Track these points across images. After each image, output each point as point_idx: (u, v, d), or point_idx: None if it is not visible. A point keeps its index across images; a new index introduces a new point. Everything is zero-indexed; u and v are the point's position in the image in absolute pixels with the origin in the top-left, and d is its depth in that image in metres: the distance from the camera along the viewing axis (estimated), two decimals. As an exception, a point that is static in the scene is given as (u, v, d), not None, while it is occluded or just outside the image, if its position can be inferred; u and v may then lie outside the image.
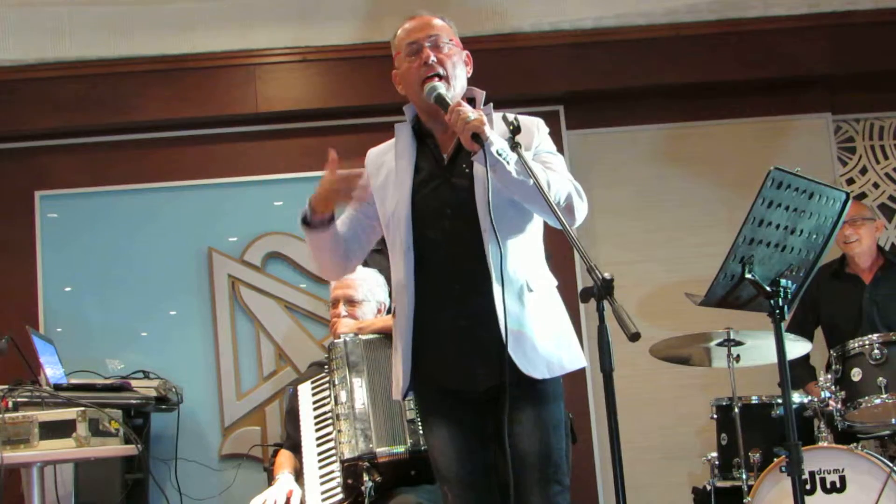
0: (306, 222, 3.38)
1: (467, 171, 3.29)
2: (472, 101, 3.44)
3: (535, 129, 3.39)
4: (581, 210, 3.25)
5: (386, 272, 4.29)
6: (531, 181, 3.05)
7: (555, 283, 3.43)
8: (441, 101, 3.23)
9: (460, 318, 3.28)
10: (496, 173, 3.09)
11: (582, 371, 5.99)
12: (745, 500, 4.76)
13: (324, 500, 4.16)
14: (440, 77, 3.32)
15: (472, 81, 3.49)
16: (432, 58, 3.33)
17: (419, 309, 3.33)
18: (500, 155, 3.05)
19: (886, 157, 6.65)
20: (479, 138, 3.03)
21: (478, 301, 3.23)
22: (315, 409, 4.39)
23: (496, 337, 3.18)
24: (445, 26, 3.45)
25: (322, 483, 4.20)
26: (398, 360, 3.40)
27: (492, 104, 3.44)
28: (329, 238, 3.41)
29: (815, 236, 3.38)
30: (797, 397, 4.97)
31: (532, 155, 3.29)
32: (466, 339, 3.28)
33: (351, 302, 4.69)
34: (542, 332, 3.27)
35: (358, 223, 3.55)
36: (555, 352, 3.29)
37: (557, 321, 3.36)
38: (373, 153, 3.58)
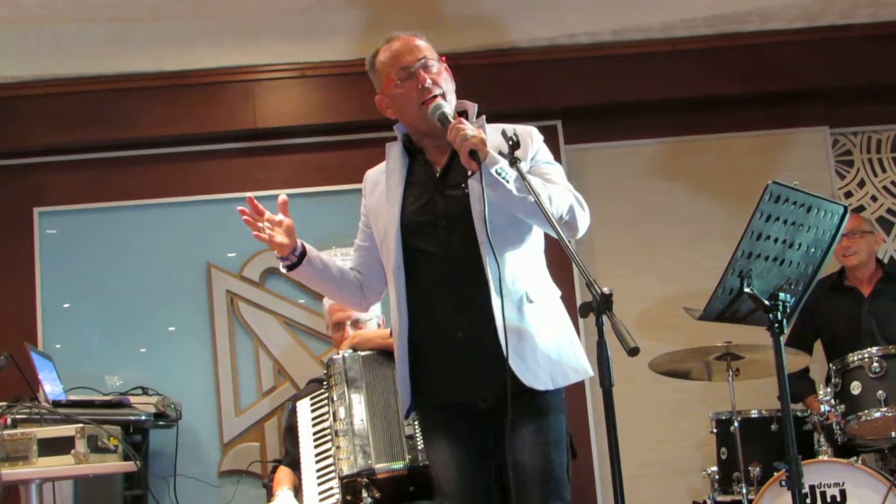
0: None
1: (462, 184, 3.29)
2: (463, 114, 3.44)
3: (529, 139, 3.39)
4: (583, 220, 3.26)
5: None
6: (531, 198, 3.05)
7: (558, 293, 3.43)
8: (444, 120, 3.23)
9: (458, 330, 3.28)
10: (496, 192, 3.09)
11: (581, 386, 6.05)
12: (745, 515, 4.77)
13: (323, 516, 4.16)
14: (441, 96, 3.33)
15: (471, 96, 3.50)
16: (428, 81, 3.34)
17: (417, 324, 3.34)
18: (499, 174, 3.05)
19: (884, 170, 6.67)
20: (476, 156, 3.04)
21: (476, 312, 3.22)
22: (314, 425, 4.39)
23: (496, 348, 3.17)
24: (427, 45, 3.45)
25: (321, 499, 4.19)
26: (398, 381, 3.41)
27: (484, 116, 3.45)
28: (311, 271, 3.44)
29: (813, 250, 3.38)
30: (797, 411, 4.97)
31: (528, 165, 3.29)
32: (466, 351, 3.27)
33: (357, 323, 4.70)
34: (543, 343, 3.26)
35: (366, 251, 3.57)
36: (558, 362, 3.29)
37: (560, 331, 3.35)
38: (370, 174, 3.61)
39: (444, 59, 3.48)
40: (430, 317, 3.32)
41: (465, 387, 3.31)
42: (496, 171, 3.05)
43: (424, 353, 3.35)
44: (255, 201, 3.37)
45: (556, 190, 3.20)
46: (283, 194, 3.40)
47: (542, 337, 3.27)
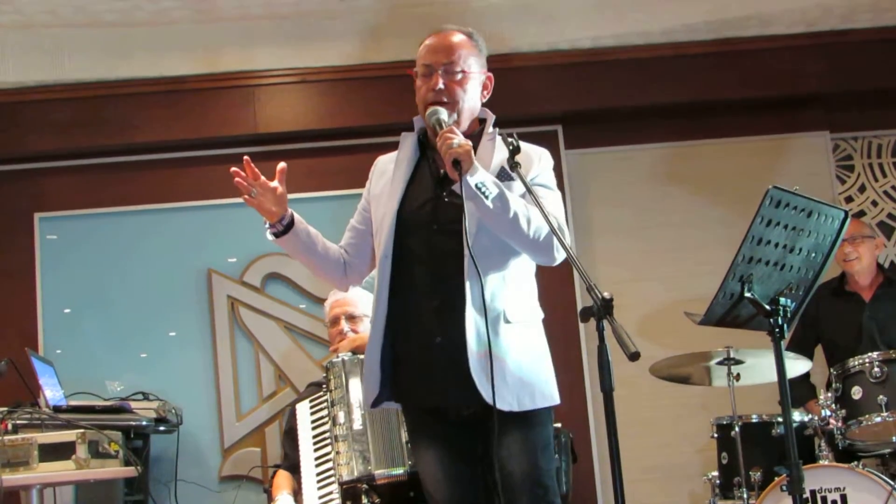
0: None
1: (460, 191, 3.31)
2: (482, 122, 3.48)
3: (536, 159, 3.40)
4: (561, 250, 3.21)
5: None
6: (509, 216, 3.10)
7: (540, 316, 3.43)
8: (437, 126, 3.27)
9: (436, 334, 3.29)
10: (474, 205, 3.11)
11: (582, 390, 6.04)
12: (746, 520, 4.76)
13: (323, 521, 4.16)
14: (444, 104, 3.35)
15: (470, 101, 3.51)
16: (440, 85, 3.36)
17: (396, 320, 3.35)
18: (478, 188, 3.06)
19: (885, 175, 6.67)
20: (458, 165, 3.05)
21: (453, 321, 3.22)
22: (313, 428, 4.39)
23: (467, 361, 3.18)
24: (466, 45, 3.45)
25: (321, 504, 4.20)
26: (365, 368, 3.41)
27: (497, 129, 3.46)
28: (297, 242, 3.43)
29: (814, 254, 3.38)
30: (798, 416, 4.96)
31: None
32: (441, 356, 3.27)
33: (351, 317, 4.74)
34: (514, 365, 3.25)
35: (359, 234, 3.59)
36: (527, 386, 3.27)
37: (534, 355, 3.34)
38: (380, 160, 3.63)
39: (482, 65, 3.49)
40: (411, 315, 3.33)
41: (444, 393, 3.31)
42: (476, 185, 3.06)
43: (403, 350, 3.36)
44: (252, 165, 3.35)
45: (537, 215, 3.18)
46: (282, 163, 3.39)
47: (514, 358, 3.26)
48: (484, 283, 3.20)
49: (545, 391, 3.33)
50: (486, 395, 3.16)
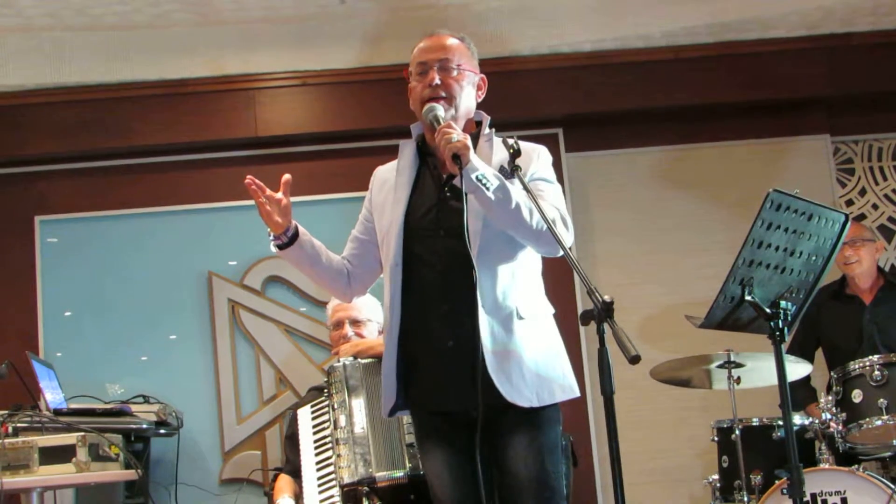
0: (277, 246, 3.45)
1: (464, 193, 3.31)
2: (479, 124, 3.50)
3: (534, 156, 3.41)
4: (565, 240, 3.21)
5: None
6: (511, 207, 3.10)
7: (551, 311, 3.44)
8: (434, 122, 3.28)
9: (448, 339, 3.29)
10: (476, 197, 3.13)
11: (582, 394, 6.02)
12: (746, 523, 4.75)
13: (324, 524, 4.16)
14: (442, 99, 3.36)
15: (472, 105, 3.52)
16: (436, 80, 3.37)
17: (408, 327, 3.35)
18: (479, 180, 3.07)
19: (885, 179, 6.66)
20: (458, 160, 3.06)
21: (465, 323, 3.23)
22: (315, 433, 4.38)
23: (481, 361, 3.18)
24: (460, 47, 3.47)
25: (322, 508, 4.20)
26: (383, 377, 3.41)
27: (493, 129, 3.47)
28: (301, 254, 3.45)
29: (814, 258, 3.39)
30: (798, 419, 4.96)
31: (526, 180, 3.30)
32: (453, 360, 3.27)
33: (356, 322, 4.73)
34: (530, 360, 3.26)
35: (362, 244, 3.59)
36: (545, 381, 3.29)
37: (549, 349, 3.35)
38: (380, 170, 3.64)
39: (475, 67, 3.51)
40: (422, 321, 3.34)
41: (455, 396, 3.30)
42: (476, 177, 3.07)
43: (415, 356, 3.37)
44: (256, 180, 3.36)
45: (541, 205, 3.19)
46: (287, 175, 3.41)
47: (530, 354, 3.27)
48: (494, 282, 3.22)
49: (564, 385, 3.34)
50: (507, 393, 3.19)
